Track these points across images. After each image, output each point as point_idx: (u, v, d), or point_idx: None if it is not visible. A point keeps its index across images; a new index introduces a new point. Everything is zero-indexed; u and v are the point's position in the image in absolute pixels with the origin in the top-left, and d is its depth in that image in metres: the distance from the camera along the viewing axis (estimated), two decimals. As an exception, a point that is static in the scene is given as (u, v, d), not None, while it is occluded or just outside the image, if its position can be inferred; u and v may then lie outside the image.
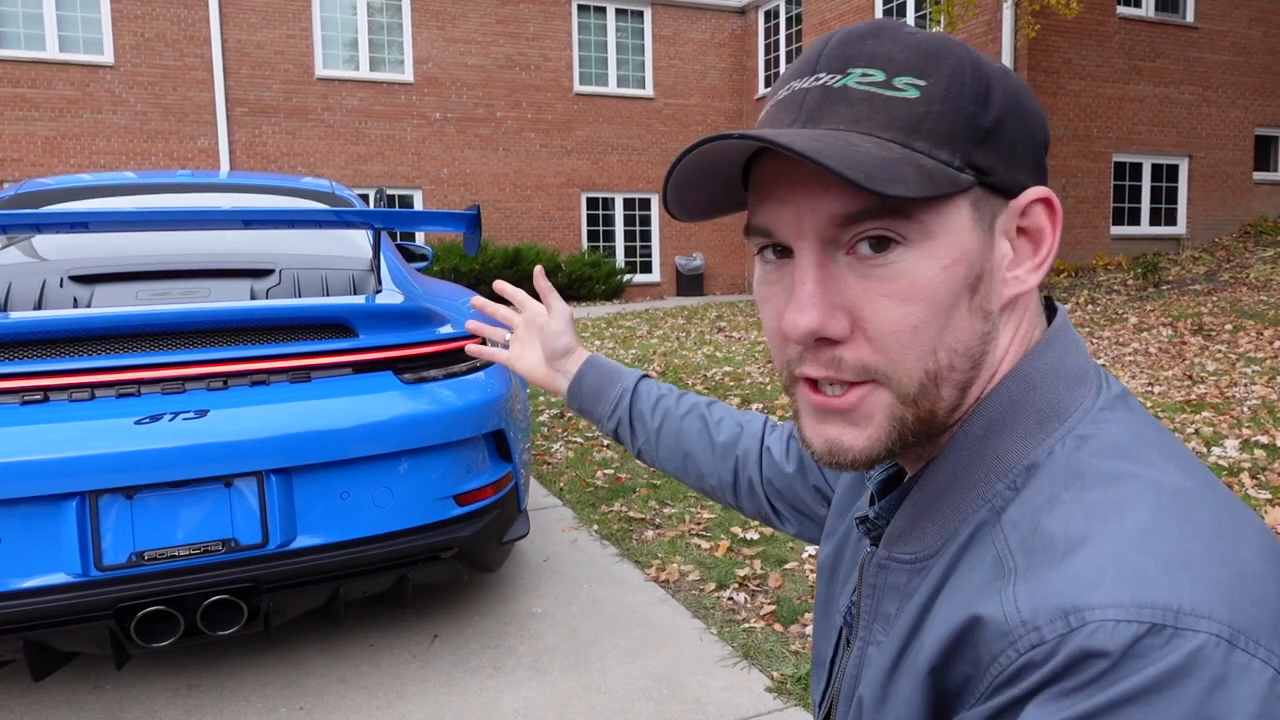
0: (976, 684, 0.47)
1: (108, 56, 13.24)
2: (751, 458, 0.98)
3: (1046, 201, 0.55)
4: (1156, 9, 11.93)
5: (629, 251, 17.03)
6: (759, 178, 0.56)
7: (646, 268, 17.17)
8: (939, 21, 11.01)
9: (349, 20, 14.88)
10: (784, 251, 0.56)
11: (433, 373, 2.42)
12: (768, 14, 16.60)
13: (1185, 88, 12.14)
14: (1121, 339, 7.43)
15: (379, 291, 2.62)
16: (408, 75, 15.18)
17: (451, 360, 2.49)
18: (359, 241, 3.03)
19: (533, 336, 1.10)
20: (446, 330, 2.50)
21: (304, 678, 2.44)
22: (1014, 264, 0.55)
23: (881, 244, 0.51)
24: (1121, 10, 11.63)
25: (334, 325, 2.30)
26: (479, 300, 1.18)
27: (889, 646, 0.56)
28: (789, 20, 16.01)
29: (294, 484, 2.16)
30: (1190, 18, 12.09)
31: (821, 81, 0.53)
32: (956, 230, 0.52)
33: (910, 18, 13.06)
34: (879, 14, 13.64)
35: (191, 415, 2.05)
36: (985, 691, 0.46)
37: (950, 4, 10.45)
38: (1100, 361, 6.44)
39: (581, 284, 15.22)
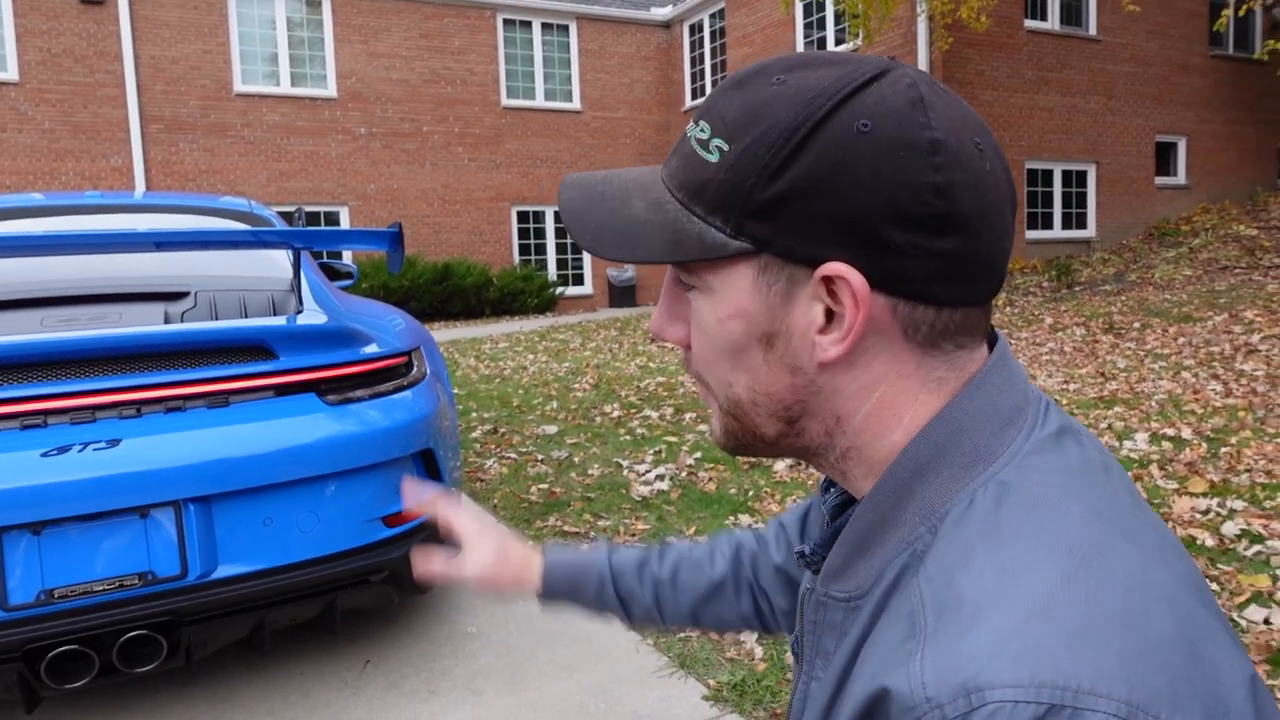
0: None
1: (12, 73, 12.73)
2: (766, 579, 0.96)
3: (840, 278, 0.52)
4: (1061, 22, 12.44)
5: (561, 264, 17.02)
6: None
7: (579, 280, 17.18)
8: (857, 35, 11.29)
9: (268, 35, 14.59)
10: None
11: (357, 393, 2.38)
12: (692, 28, 16.80)
13: (1091, 97, 12.67)
14: (1038, 339, 7.69)
15: (300, 312, 2.58)
16: (330, 90, 14.94)
17: (377, 380, 2.46)
18: (278, 261, 2.97)
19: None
20: (371, 349, 2.47)
21: (230, 711, 2.37)
22: (824, 331, 0.54)
23: (685, 282, 0.60)
24: (1029, 23, 12.09)
25: (252, 348, 2.25)
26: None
27: (826, 684, 0.57)
28: (713, 34, 16.24)
29: (214, 512, 2.10)
30: (1093, 30, 12.63)
31: (688, 125, 0.59)
32: (734, 290, 0.56)
33: (830, 32, 13.36)
34: (799, 29, 13.93)
35: (103, 445, 1.98)
36: None
37: (867, 19, 10.73)
38: (1020, 360, 6.66)
39: (514, 298, 15.15)
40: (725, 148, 0.54)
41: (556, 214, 16.77)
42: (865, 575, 0.56)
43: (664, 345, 9.50)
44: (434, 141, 15.70)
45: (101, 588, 1.97)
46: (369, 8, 15.06)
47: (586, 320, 13.67)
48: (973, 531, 0.50)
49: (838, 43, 13.21)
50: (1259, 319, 7.31)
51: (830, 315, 0.54)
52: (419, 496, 1.04)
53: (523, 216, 16.61)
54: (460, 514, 1.01)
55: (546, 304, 15.71)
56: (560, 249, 16.99)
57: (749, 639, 2.66)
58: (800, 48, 13.96)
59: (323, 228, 2.27)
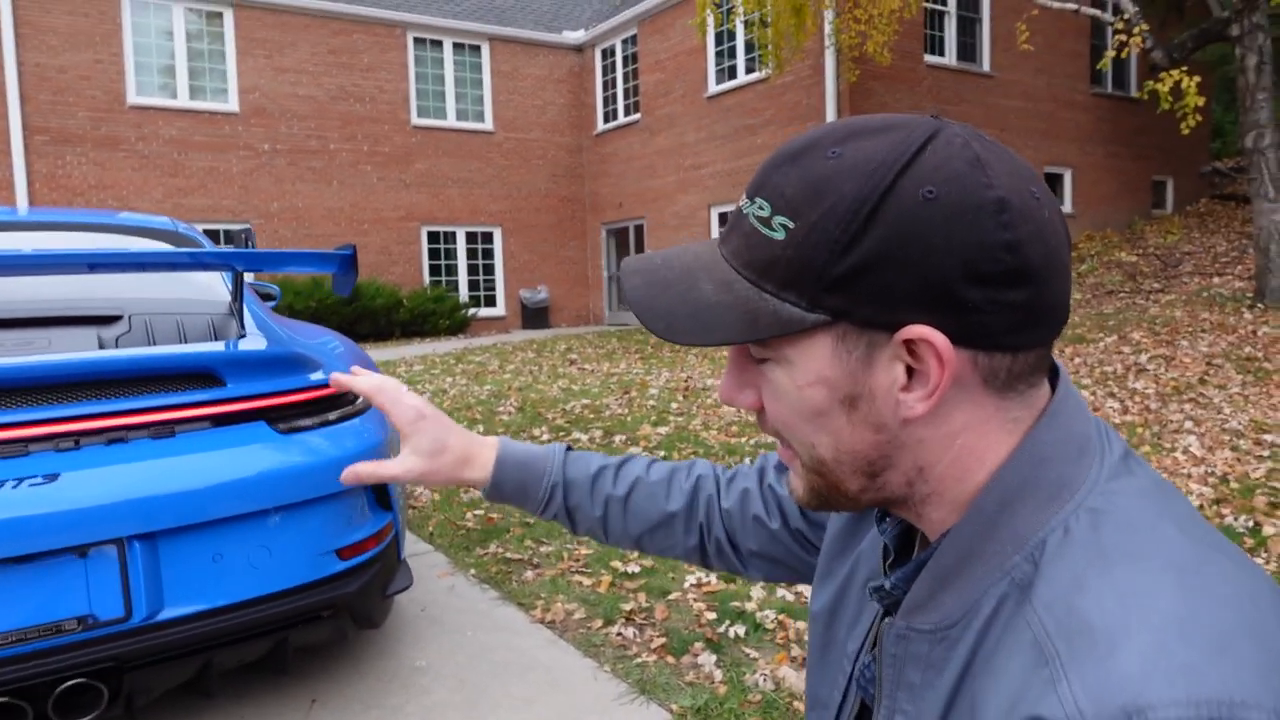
0: None
1: (-122, 78, 11.86)
2: (716, 522, 0.98)
3: (924, 341, 0.54)
4: (958, 58, 13.07)
5: (472, 285, 16.81)
6: None
7: (490, 301, 17.00)
8: (767, 65, 11.60)
9: (165, 46, 14.02)
10: None
11: (308, 421, 2.29)
12: (604, 52, 16.95)
13: (986, 129, 13.31)
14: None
15: (243, 336, 2.47)
16: (232, 105, 14.44)
17: (327, 407, 2.37)
18: (212, 283, 2.84)
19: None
20: (320, 376, 2.38)
21: (168, 761, 2.23)
22: (907, 389, 0.56)
23: (760, 359, 0.61)
24: (929, 58, 12.65)
25: (199, 375, 2.15)
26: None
27: (923, 715, 0.58)
28: (625, 59, 16.41)
29: (160, 549, 1.98)
30: (987, 67, 13.31)
31: (742, 202, 0.60)
32: (813, 359, 0.57)
33: (740, 61, 13.68)
34: (710, 57, 14.22)
35: (39, 480, 1.85)
36: None
37: (778, 50, 11.04)
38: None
39: (425, 319, 14.88)
40: (790, 225, 0.55)
41: (469, 234, 16.60)
42: (953, 607, 0.57)
43: (584, 369, 9.49)
44: (342, 159, 15.34)
45: (36, 634, 1.83)
46: (274, 21, 14.65)
47: (502, 342, 13.53)
48: (1078, 559, 0.51)
49: (748, 71, 13.53)
50: (1145, 340, 7.78)
51: (910, 372, 0.56)
52: (355, 378, 0.97)
53: (433, 237, 16.36)
54: (398, 401, 0.95)
55: (459, 325, 15.48)
56: (471, 269, 16.79)
57: (707, 663, 2.66)
58: (711, 76, 14.25)
59: (268, 250, 2.17)
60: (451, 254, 16.59)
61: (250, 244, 2.42)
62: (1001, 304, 0.53)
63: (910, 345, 0.55)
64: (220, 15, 14.31)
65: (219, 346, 2.25)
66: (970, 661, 0.55)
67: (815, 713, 0.78)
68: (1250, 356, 6.87)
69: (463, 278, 16.69)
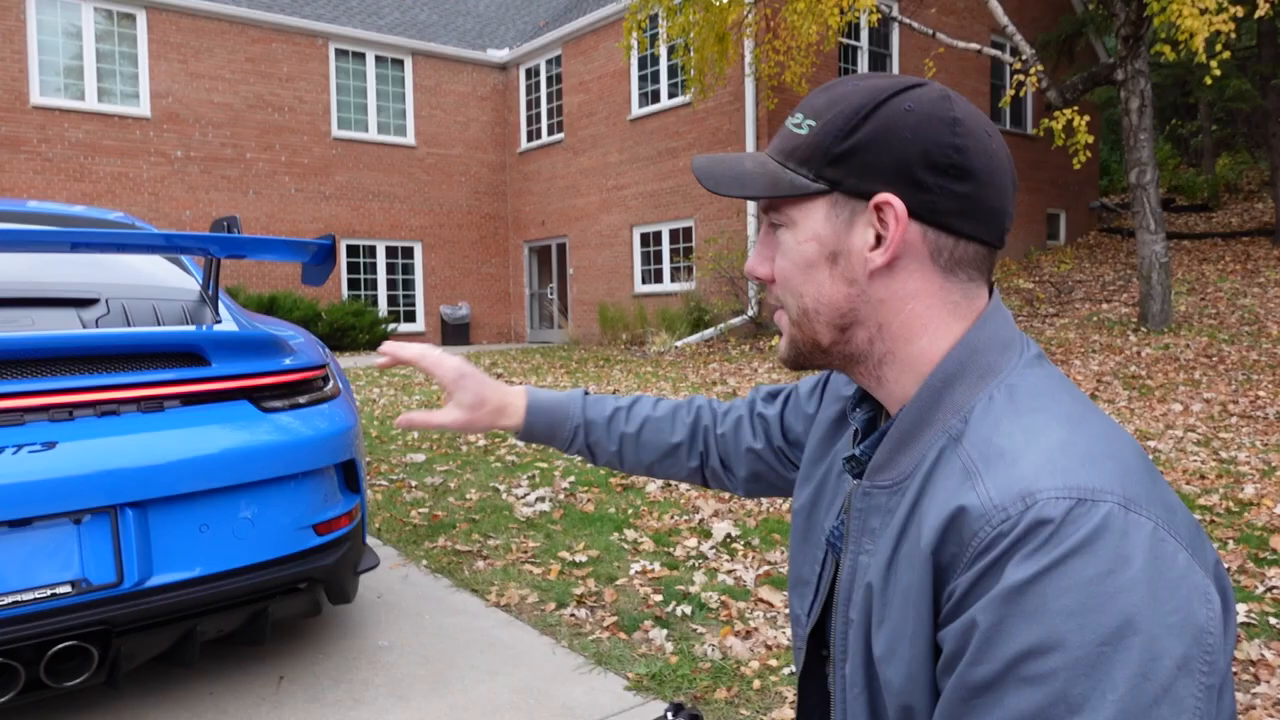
0: (960, 557, 0.66)
1: None
2: (713, 448, 1.20)
3: (886, 204, 0.74)
4: (870, 91, 13.71)
5: (392, 300, 16.65)
6: None
7: (410, 317, 16.86)
8: (690, 90, 11.98)
9: (73, 46, 13.56)
10: None
11: (288, 401, 2.39)
12: (529, 71, 17.13)
13: (895, 160, 13.98)
14: (862, 375, 8.39)
15: (218, 322, 2.55)
16: (144, 109, 14.05)
17: (304, 390, 2.47)
18: (179, 270, 2.90)
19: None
20: (295, 360, 2.48)
21: (141, 733, 2.28)
22: (874, 249, 0.76)
23: (776, 223, 0.82)
24: (843, 90, 13.25)
25: (185, 354, 2.23)
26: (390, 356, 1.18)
27: (883, 547, 0.76)
28: (549, 79, 16.62)
29: (150, 518, 2.06)
30: (896, 100, 14.00)
31: (787, 119, 0.83)
32: (811, 220, 0.78)
33: (664, 85, 14.05)
34: (634, 81, 14.56)
35: (38, 448, 1.91)
36: (968, 560, 0.65)
37: (701, 76, 11.43)
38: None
39: (344, 333, 14.66)
40: (814, 124, 0.78)
41: (389, 248, 16.47)
42: (906, 464, 0.76)
43: (512, 383, 9.56)
44: (259, 169, 15.06)
45: (31, 597, 1.89)
46: (189, 25, 14.34)
47: (423, 356, 13.44)
48: (998, 414, 0.72)
49: (671, 95, 13.91)
50: (1043, 358, 8.33)
51: (878, 240, 0.76)
52: (398, 351, 1.17)
53: (352, 250, 16.17)
54: (440, 363, 1.16)
55: (379, 340, 15.29)
56: (391, 284, 16.64)
57: (658, 637, 2.84)
58: (635, 99, 14.58)
59: (244, 236, 2.27)
60: (371, 268, 16.42)
61: (235, 232, 2.49)
62: (948, 191, 0.74)
63: (879, 211, 0.75)
64: (132, 17, 13.94)
65: (207, 328, 2.33)
66: (918, 498, 0.74)
67: (798, 591, 0.96)
68: (1135, 375, 7.47)
69: (382, 292, 16.52)
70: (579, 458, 1.32)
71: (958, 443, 0.72)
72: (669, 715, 1.08)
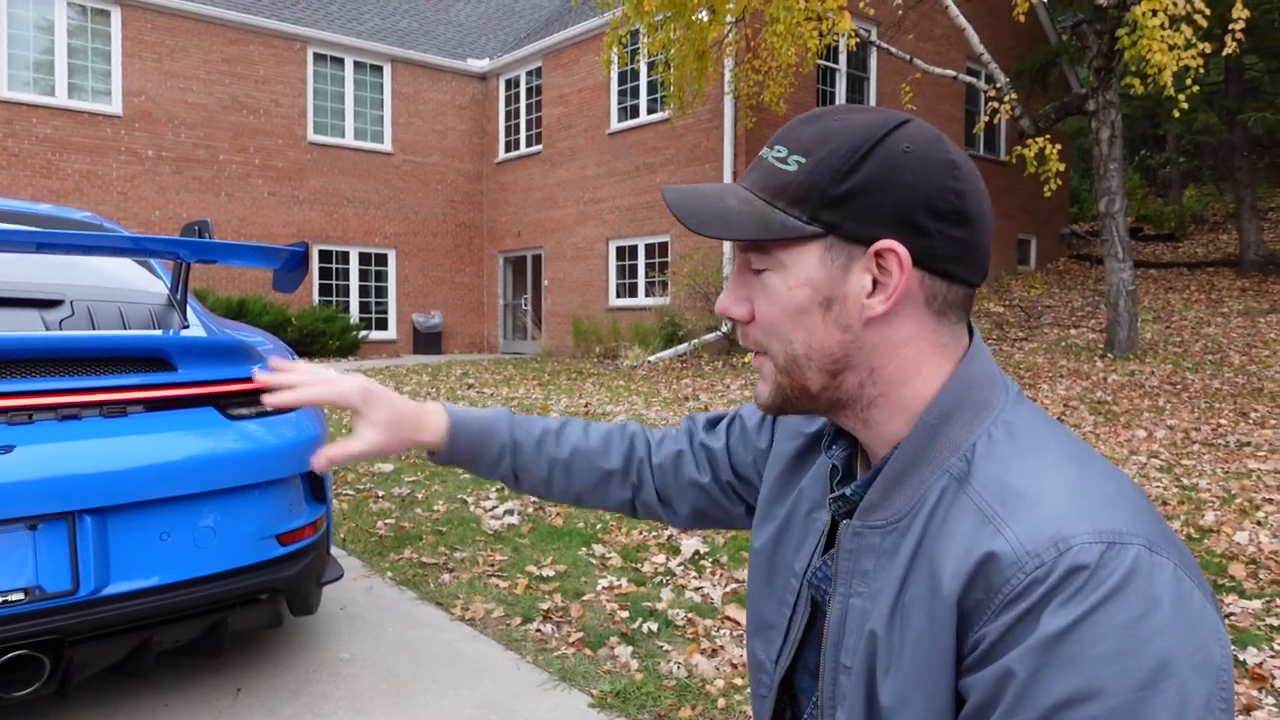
0: (988, 604, 0.65)
1: None
2: (647, 480, 1.12)
3: (890, 251, 0.71)
4: (847, 113, 13.86)
5: (364, 308, 16.52)
6: None
7: (383, 325, 16.73)
8: (670, 107, 12.04)
9: (45, 40, 13.38)
10: None
11: (254, 409, 2.35)
12: (508, 82, 17.13)
13: (870, 182, 14.13)
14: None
15: (185, 327, 2.51)
16: (115, 107, 13.87)
17: (271, 397, 2.44)
18: (145, 273, 2.85)
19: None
20: (264, 367, 2.45)
21: (92, 745, 2.22)
22: (871, 295, 0.73)
23: (759, 265, 0.77)
24: (820, 111, 13.38)
25: (150, 359, 2.19)
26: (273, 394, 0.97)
27: (884, 591, 0.74)
28: (529, 90, 16.63)
29: (109, 525, 2.01)
30: (873, 123, 14.16)
31: (762, 151, 0.79)
32: (804, 264, 0.74)
33: (643, 100, 14.12)
34: (614, 95, 14.61)
35: (-6, 451, 1.87)
36: (999, 607, 0.64)
37: (681, 92, 11.50)
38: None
39: (314, 339, 14.52)
40: (803, 160, 0.74)
41: (362, 255, 16.35)
42: (901, 503, 0.74)
43: (483, 393, 9.52)
44: (231, 171, 14.91)
45: (-18, 604, 1.84)
46: (165, 24, 14.20)
47: (394, 365, 13.36)
48: (1003, 453, 0.72)
49: (650, 111, 13.97)
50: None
51: (875, 285, 0.73)
52: (282, 375, 0.99)
53: (325, 256, 16.04)
54: (335, 385, 0.99)
55: (349, 347, 15.17)
56: (364, 291, 16.50)
57: (624, 654, 2.82)
58: (614, 113, 14.63)
59: (215, 240, 2.23)
60: (344, 274, 16.29)
61: (207, 236, 2.45)
62: (947, 236, 0.73)
63: (880, 257, 0.72)
64: (107, 13, 13.79)
65: (173, 332, 2.29)
66: (922, 538, 0.73)
67: (762, 635, 0.93)
68: (1101, 400, 7.58)
69: (354, 299, 16.39)
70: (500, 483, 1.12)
71: (964, 484, 0.71)
72: None
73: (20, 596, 1.88)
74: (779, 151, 0.76)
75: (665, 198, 0.79)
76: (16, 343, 1.97)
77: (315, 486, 2.59)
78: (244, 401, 2.34)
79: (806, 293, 0.75)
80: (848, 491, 0.81)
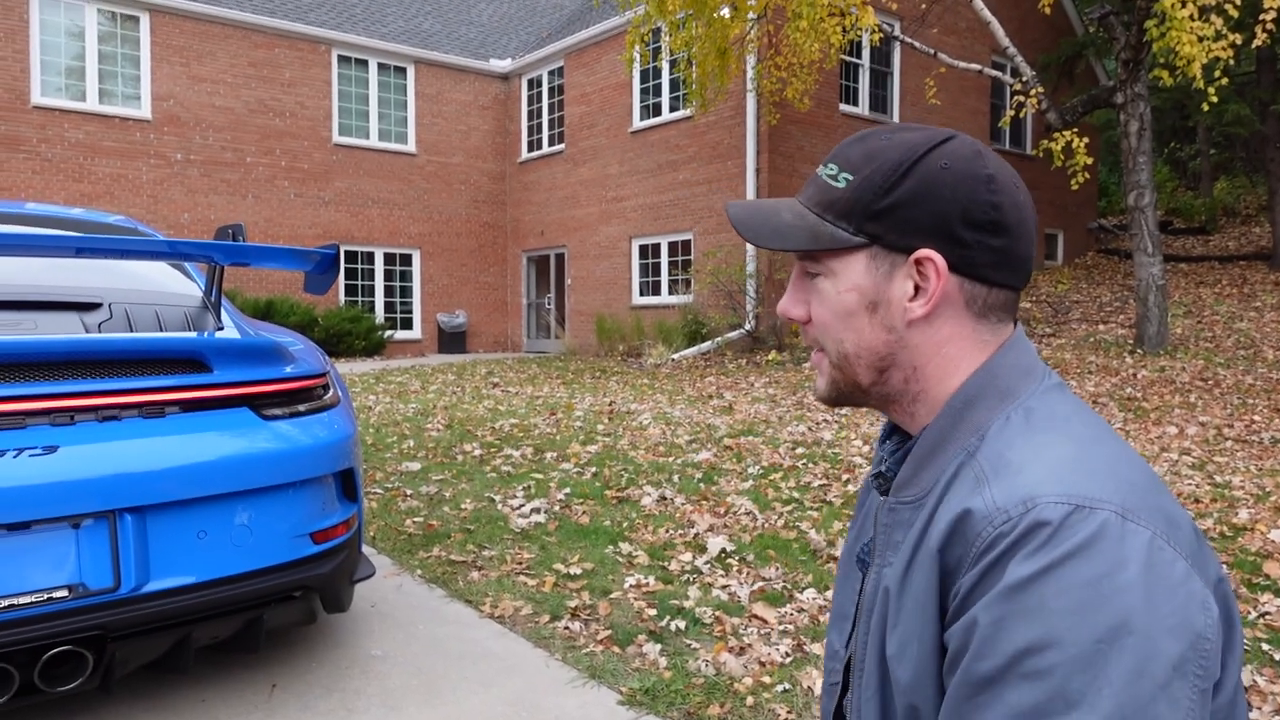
0: (965, 558, 0.71)
1: None
2: None
3: (927, 259, 0.79)
4: (870, 109, 13.81)
5: (389, 308, 16.65)
6: None
7: (408, 324, 16.86)
8: (692, 104, 12.04)
9: (76, 47, 13.59)
10: None
11: (289, 409, 2.39)
12: (530, 82, 17.19)
13: (894, 177, 14.04)
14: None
15: (220, 329, 2.55)
16: (145, 112, 14.07)
17: (304, 398, 2.48)
18: (181, 276, 2.91)
19: None
20: (296, 368, 2.49)
21: (133, 739, 2.27)
22: (913, 300, 0.81)
23: (813, 271, 0.86)
24: (844, 107, 13.34)
25: (186, 360, 2.23)
26: None
27: (902, 556, 0.80)
28: (551, 90, 16.68)
29: (149, 523, 2.05)
30: (897, 119, 14.09)
31: (817, 169, 0.86)
32: (853, 272, 0.82)
33: (665, 99, 14.11)
34: (636, 94, 14.62)
35: (39, 451, 1.91)
36: (972, 559, 0.70)
37: (702, 90, 11.49)
38: (843, 412, 7.27)
39: (340, 339, 14.65)
40: (851, 178, 0.82)
41: (387, 255, 16.48)
42: (927, 480, 0.81)
43: (508, 392, 9.56)
44: (258, 174, 15.08)
45: (28, 600, 1.88)
46: (192, 29, 14.38)
47: (420, 364, 13.46)
48: (1013, 432, 0.78)
49: (672, 109, 13.97)
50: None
51: (916, 290, 0.80)
52: None
53: (351, 256, 16.17)
54: None
55: (375, 347, 15.30)
56: (389, 291, 16.63)
57: (652, 652, 2.83)
58: (636, 111, 14.64)
59: (248, 244, 2.27)
60: (369, 274, 16.42)
61: (241, 240, 2.49)
62: (985, 245, 0.79)
63: (919, 265, 0.80)
64: (135, 19, 13.98)
65: (209, 334, 2.34)
66: (935, 509, 0.78)
67: (837, 626, 1.00)
68: (1131, 396, 7.49)
69: (379, 299, 16.52)
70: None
71: (972, 457, 0.77)
72: None
73: (64, 594, 1.93)
74: (831, 169, 0.84)
75: (729, 214, 0.88)
76: (58, 345, 2.01)
77: (347, 485, 2.62)
78: (278, 402, 2.38)
79: (854, 297, 0.82)
80: (884, 469, 0.90)
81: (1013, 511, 0.68)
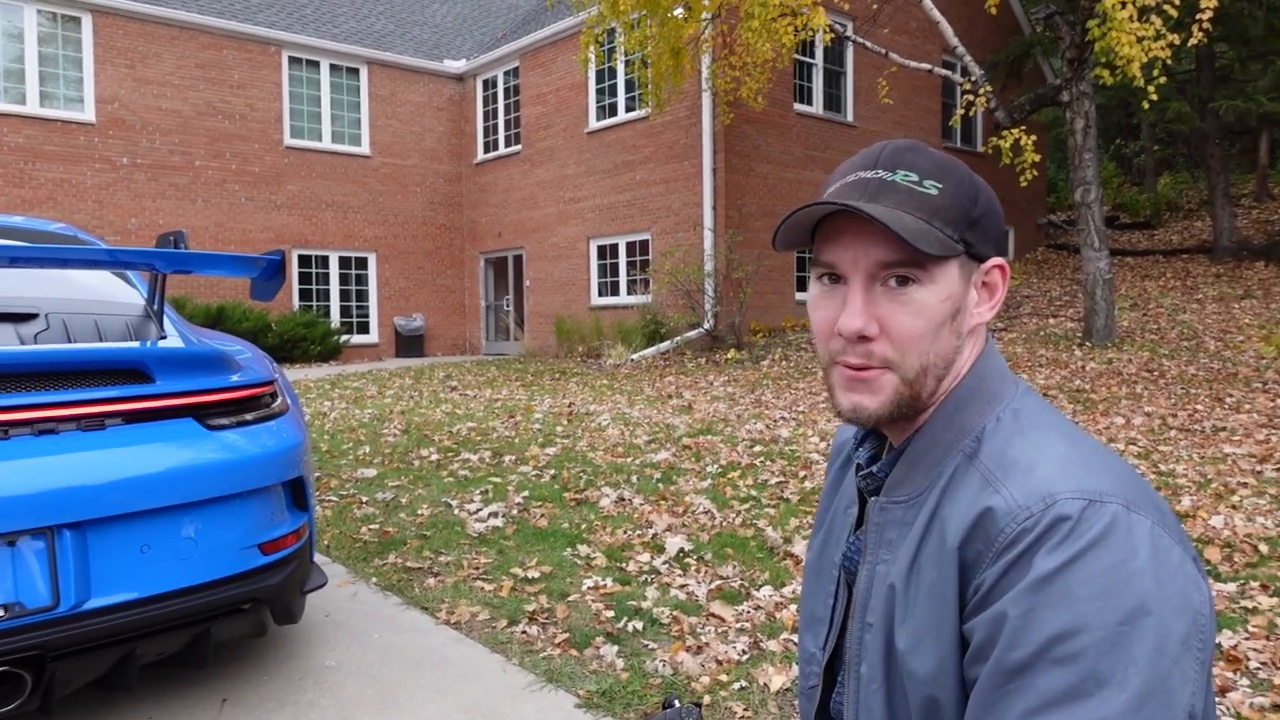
0: (986, 553, 0.75)
1: None
2: None
3: (1001, 267, 0.87)
4: (824, 108, 13.94)
5: (344, 311, 16.44)
6: (830, 229, 0.85)
7: (364, 328, 16.66)
8: (647, 104, 12.05)
9: (15, 49, 13.23)
10: (837, 279, 0.86)
11: (235, 419, 2.35)
12: (486, 83, 17.09)
13: (849, 176, 14.18)
14: (814, 390, 8.49)
15: (163, 338, 2.50)
16: (88, 115, 13.75)
17: (250, 406, 2.44)
18: (121, 284, 2.84)
19: None
20: (242, 377, 2.45)
21: (77, 759, 2.21)
22: (978, 304, 0.86)
23: (903, 281, 0.82)
24: (798, 107, 13.45)
25: (127, 370, 2.18)
26: None
27: (903, 554, 0.84)
28: (507, 90, 16.60)
29: (89, 539, 2.01)
30: (850, 117, 14.25)
31: (879, 175, 0.84)
32: (950, 279, 0.83)
33: (620, 99, 14.12)
34: (591, 94, 14.61)
35: (-30, 468, 1.86)
36: (995, 555, 0.74)
37: (658, 90, 11.51)
38: (800, 409, 7.33)
39: (295, 345, 14.45)
40: (940, 185, 0.83)
41: (342, 259, 16.27)
42: (920, 480, 0.86)
43: (466, 395, 9.50)
44: (208, 177, 14.81)
45: (-39, 622, 1.83)
46: (137, 30, 14.07)
47: (377, 369, 13.31)
48: (1007, 432, 0.83)
49: (628, 109, 13.97)
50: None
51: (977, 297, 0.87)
52: None
53: (304, 260, 15.94)
54: None
55: (330, 352, 15.11)
56: (344, 295, 16.42)
57: (609, 654, 2.83)
58: (593, 111, 14.63)
59: (190, 251, 2.23)
60: (324, 278, 16.21)
61: (183, 247, 2.44)
62: (1005, 253, 0.90)
63: (989, 273, 0.87)
64: (77, 20, 13.65)
65: (151, 344, 2.29)
66: (936, 507, 0.82)
67: (812, 629, 1.02)
68: (1080, 389, 7.65)
69: (335, 303, 16.31)
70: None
71: (973, 459, 0.82)
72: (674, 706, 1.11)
73: (0, 613, 1.87)
74: (912, 176, 0.84)
75: (874, 215, 0.79)
76: (-9, 358, 1.96)
77: (297, 494, 2.59)
78: (223, 411, 2.34)
79: (950, 306, 0.84)
80: (875, 469, 0.92)
81: (1034, 508, 0.73)
